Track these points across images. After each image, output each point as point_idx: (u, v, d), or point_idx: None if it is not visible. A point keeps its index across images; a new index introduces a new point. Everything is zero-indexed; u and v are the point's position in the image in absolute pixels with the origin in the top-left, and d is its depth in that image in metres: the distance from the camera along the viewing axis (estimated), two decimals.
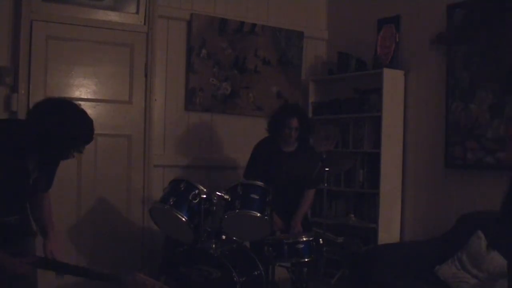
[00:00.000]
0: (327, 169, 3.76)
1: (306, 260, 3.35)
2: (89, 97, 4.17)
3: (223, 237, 3.41)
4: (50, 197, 2.64)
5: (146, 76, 4.35)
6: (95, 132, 4.22)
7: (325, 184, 3.84)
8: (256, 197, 3.34)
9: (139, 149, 4.34)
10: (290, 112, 3.83)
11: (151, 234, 4.26)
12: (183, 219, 3.22)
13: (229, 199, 3.32)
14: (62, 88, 4.08)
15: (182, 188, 3.32)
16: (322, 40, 5.29)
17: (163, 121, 4.52)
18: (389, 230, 4.39)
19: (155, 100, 4.41)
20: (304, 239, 3.36)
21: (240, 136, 4.68)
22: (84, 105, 4.07)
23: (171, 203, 3.25)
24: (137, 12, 4.33)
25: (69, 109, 2.37)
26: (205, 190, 3.32)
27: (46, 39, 3.99)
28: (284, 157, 3.88)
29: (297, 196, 3.89)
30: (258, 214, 3.27)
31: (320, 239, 3.44)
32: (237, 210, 3.28)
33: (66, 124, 2.29)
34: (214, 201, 3.30)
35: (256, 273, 3.35)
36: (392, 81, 4.42)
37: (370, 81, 4.59)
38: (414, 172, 4.43)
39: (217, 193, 3.32)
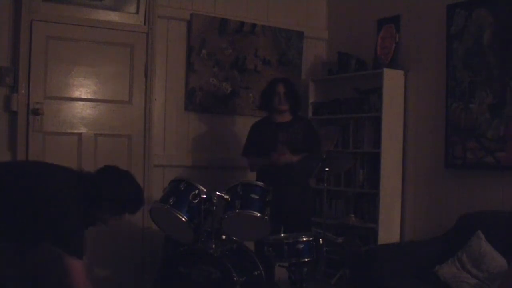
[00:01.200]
0: (327, 169, 3.76)
1: (306, 260, 3.35)
2: (89, 97, 4.17)
3: (223, 237, 3.41)
4: None
5: (146, 76, 4.35)
6: (96, 132, 4.28)
7: (325, 184, 3.85)
8: (256, 197, 3.35)
9: (139, 149, 4.34)
10: (275, 80, 4.15)
11: (151, 234, 4.26)
12: (183, 219, 3.21)
13: (229, 199, 3.32)
14: (62, 88, 4.08)
15: (182, 188, 3.32)
16: (322, 40, 5.29)
17: (163, 121, 4.52)
18: (389, 230, 4.39)
19: (155, 100, 4.41)
20: (304, 239, 3.36)
21: (240, 136, 4.68)
22: (84, 105, 4.16)
23: (171, 203, 3.25)
24: (137, 12, 4.33)
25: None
26: (205, 190, 3.32)
27: (46, 39, 3.99)
28: (279, 127, 4.00)
29: (295, 170, 3.91)
30: (258, 214, 3.27)
31: (320, 239, 3.44)
32: (237, 210, 3.28)
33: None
34: (214, 201, 3.30)
35: (256, 273, 3.35)
36: (392, 81, 4.42)
37: (370, 81, 4.59)
38: (414, 172, 4.42)
39: (217, 193, 3.32)
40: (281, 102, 4.01)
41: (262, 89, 4.22)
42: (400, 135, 4.48)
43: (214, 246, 3.26)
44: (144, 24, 4.34)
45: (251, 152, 4.10)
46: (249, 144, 4.14)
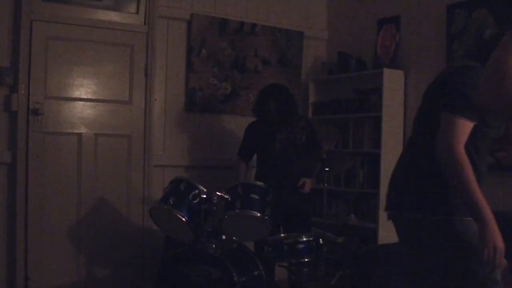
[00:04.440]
0: (327, 169, 3.76)
1: (306, 260, 3.35)
2: (89, 97, 4.17)
3: (223, 237, 3.42)
4: None
5: (146, 76, 4.35)
6: (96, 132, 4.27)
7: (325, 184, 3.85)
8: (256, 197, 3.34)
9: (139, 149, 4.34)
10: (266, 97, 3.94)
11: (151, 234, 4.26)
12: (183, 219, 3.21)
13: (229, 199, 3.32)
14: (62, 88, 4.08)
15: (182, 188, 3.32)
16: (322, 40, 5.29)
17: (163, 121, 4.52)
18: (389, 230, 4.37)
19: (155, 100, 4.41)
20: (304, 239, 3.36)
21: (240, 136, 4.68)
22: (84, 105, 4.16)
23: (171, 203, 3.25)
24: (137, 12, 4.33)
25: None
26: (205, 190, 3.32)
27: (46, 39, 3.99)
28: (277, 126, 3.94)
29: (295, 167, 3.92)
30: (258, 214, 3.27)
31: (320, 239, 3.44)
32: (237, 210, 3.28)
33: None
34: (214, 201, 3.30)
35: (256, 273, 3.35)
36: (392, 81, 4.42)
37: (370, 81, 4.59)
38: None
39: (217, 193, 3.32)
40: (274, 118, 3.90)
41: (256, 98, 4.10)
42: (400, 135, 4.48)
43: (214, 246, 3.26)
44: (144, 24, 4.34)
45: (248, 153, 4.08)
46: (245, 145, 4.12)
